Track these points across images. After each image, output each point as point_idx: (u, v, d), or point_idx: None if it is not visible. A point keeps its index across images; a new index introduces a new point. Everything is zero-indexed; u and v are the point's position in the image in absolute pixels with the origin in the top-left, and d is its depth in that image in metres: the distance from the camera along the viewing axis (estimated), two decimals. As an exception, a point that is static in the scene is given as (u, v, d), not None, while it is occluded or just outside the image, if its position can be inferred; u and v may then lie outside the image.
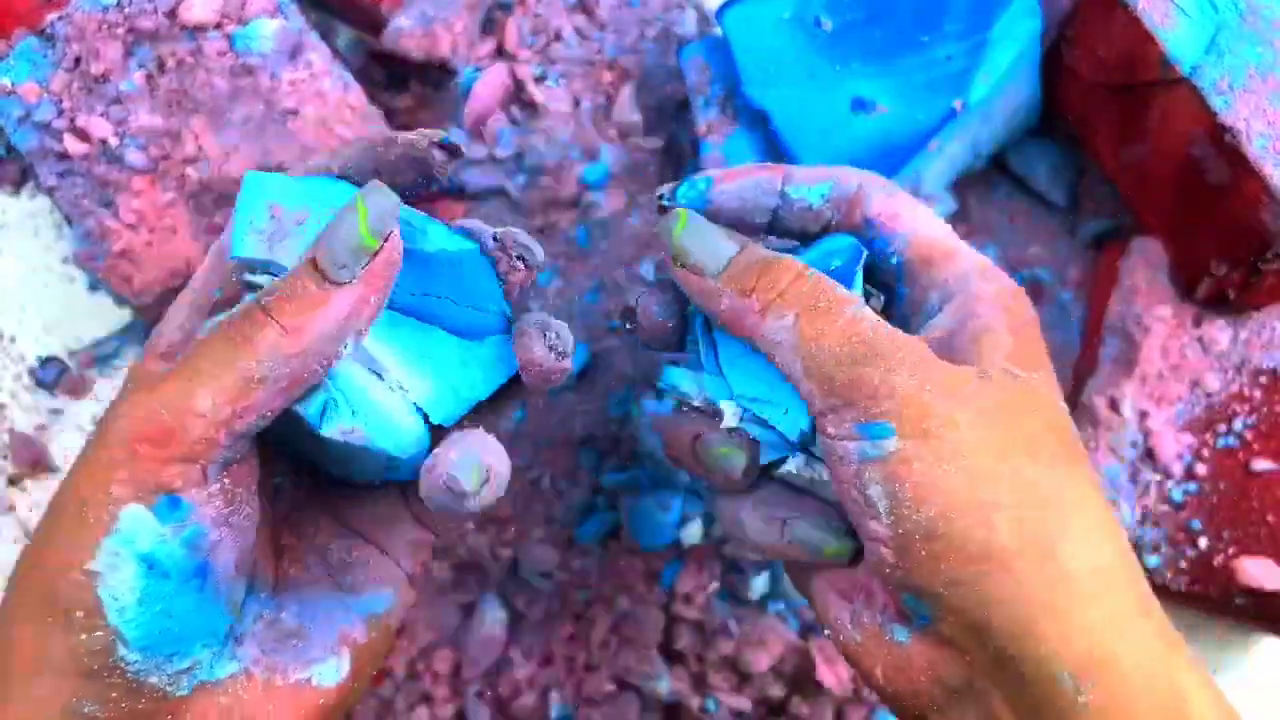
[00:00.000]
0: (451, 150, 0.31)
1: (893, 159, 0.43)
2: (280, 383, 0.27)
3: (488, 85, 0.47)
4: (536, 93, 0.47)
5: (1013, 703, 0.28)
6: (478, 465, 0.28)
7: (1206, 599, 0.43)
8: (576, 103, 0.48)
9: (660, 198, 0.33)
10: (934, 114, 0.43)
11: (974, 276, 0.31)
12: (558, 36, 0.48)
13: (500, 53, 0.48)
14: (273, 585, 0.30)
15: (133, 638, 0.26)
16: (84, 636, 0.26)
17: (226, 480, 0.27)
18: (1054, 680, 0.27)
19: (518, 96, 0.48)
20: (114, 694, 0.26)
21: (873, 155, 0.43)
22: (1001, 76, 0.43)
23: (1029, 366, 0.30)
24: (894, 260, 0.33)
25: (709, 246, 0.31)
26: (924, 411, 0.28)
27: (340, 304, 0.27)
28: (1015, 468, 0.28)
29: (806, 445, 0.31)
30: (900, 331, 0.29)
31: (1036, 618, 0.27)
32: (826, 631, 0.32)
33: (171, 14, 0.42)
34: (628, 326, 0.35)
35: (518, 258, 0.31)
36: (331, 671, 0.30)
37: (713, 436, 0.32)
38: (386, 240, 0.28)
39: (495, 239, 0.31)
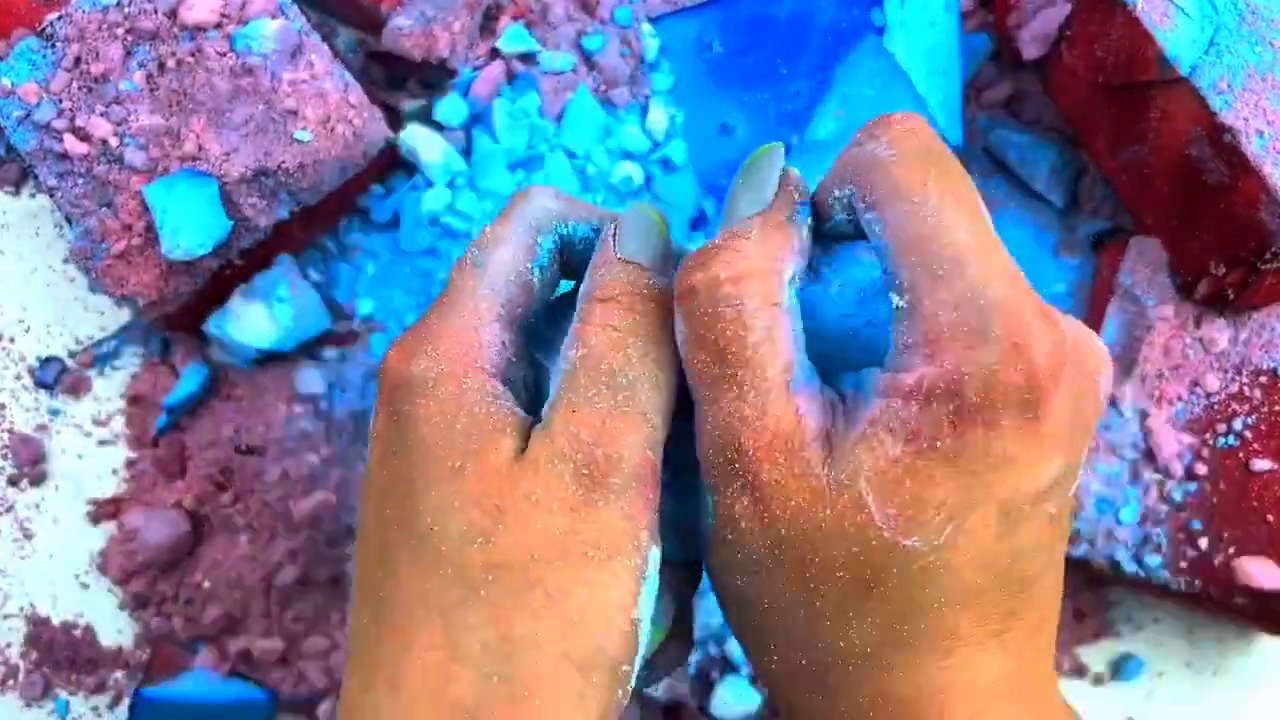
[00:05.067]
0: None
1: None
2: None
3: (485, 84, 0.47)
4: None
5: None
6: None
7: (1206, 599, 0.43)
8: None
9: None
10: None
11: None
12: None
13: (496, 51, 0.48)
14: None
15: (634, 685, 0.26)
16: (621, 691, 0.26)
17: None
18: None
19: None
20: None
21: (725, 178, 0.47)
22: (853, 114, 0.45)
23: None
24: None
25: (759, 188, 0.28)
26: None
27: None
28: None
29: None
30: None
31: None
32: None
33: (172, 14, 0.42)
34: None
35: None
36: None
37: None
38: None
39: None
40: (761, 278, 0.26)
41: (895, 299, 0.25)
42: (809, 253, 0.28)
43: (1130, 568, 0.43)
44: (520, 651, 0.25)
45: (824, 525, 0.25)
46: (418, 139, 0.46)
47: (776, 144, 0.28)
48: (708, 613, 0.45)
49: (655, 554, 0.26)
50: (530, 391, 0.30)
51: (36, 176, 0.43)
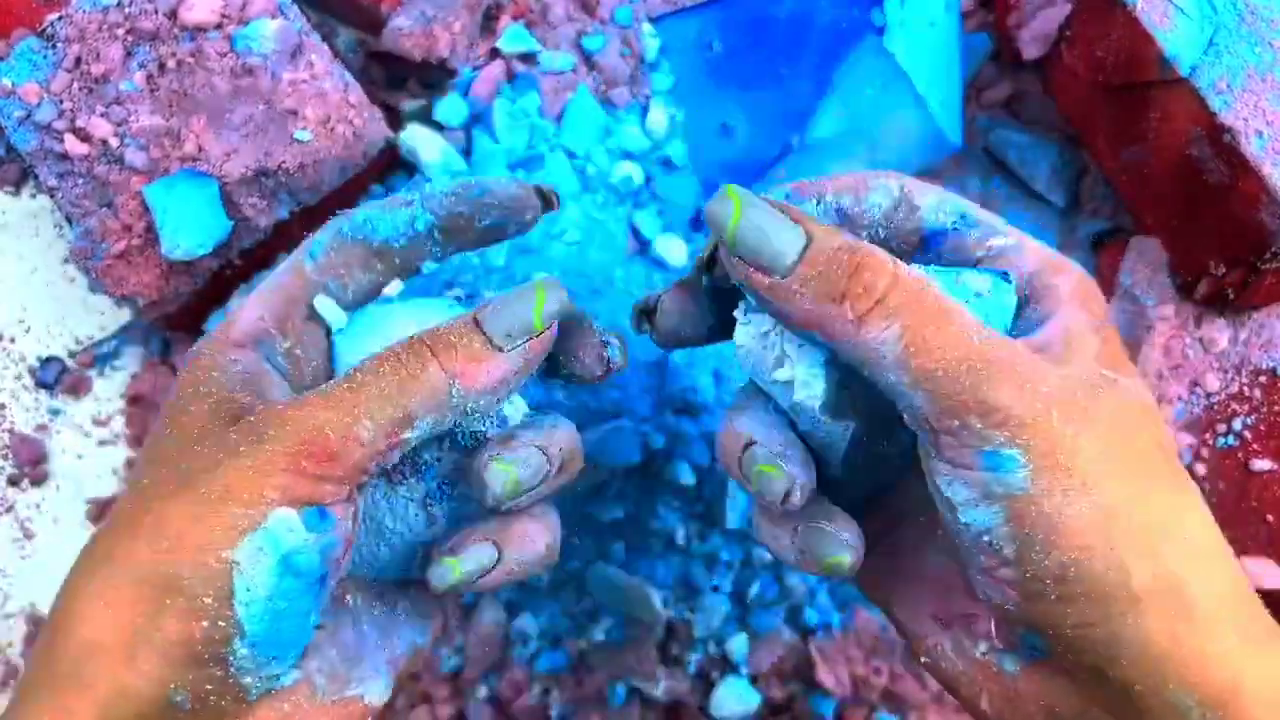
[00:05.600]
0: (547, 199, 0.32)
1: (740, 183, 0.47)
2: (431, 423, 0.28)
3: (485, 84, 0.47)
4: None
5: None
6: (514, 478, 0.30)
7: (1206, 599, 0.43)
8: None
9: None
10: (775, 146, 0.44)
11: (1045, 271, 0.29)
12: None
13: (496, 51, 0.48)
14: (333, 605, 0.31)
15: (250, 632, 0.27)
16: (205, 623, 0.26)
17: (360, 502, 0.29)
18: (1178, 712, 0.26)
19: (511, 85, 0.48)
20: (208, 686, 0.27)
21: (725, 178, 0.46)
22: (859, 110, 0.45)
23: (1120, 369, 0.28)
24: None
25: (775, 238, 0.27)
26: (1051, 440, 0.26)
27: (502, 367, 0.29)
28: (1139, 495, 0.26)
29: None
30: (1007, 338, 0.27)
31: (1165, 653, 0.26)
32: (923, 659, 0.31)
33: (172, 14, 0.42)
34: (643, 328, 0.33)
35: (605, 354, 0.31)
36: (379, 690, 0.31)
37: (760, 451, 0.30)
38: (548, 328, 0.30)
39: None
40: (899, 275, 0.28)
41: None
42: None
43: (1130, 568, 0.43)
44: (113, 569, 0.27)
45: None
46: (418, 139, 0.46)
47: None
48: (709, 611, 0.45)
49: (281, 515, 0.27)
50: (321, 362, 0.32)
51: (36, 176, 0.43)
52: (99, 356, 0.48)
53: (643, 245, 0.47)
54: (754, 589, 0.45)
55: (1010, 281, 0.29)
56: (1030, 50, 0.46)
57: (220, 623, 0.26)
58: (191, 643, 0.26)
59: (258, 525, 0.27)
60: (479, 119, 0.47)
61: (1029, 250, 0.30)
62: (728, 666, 0.45)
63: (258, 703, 0.28)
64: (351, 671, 0.30)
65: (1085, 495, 0.26)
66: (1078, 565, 0.26)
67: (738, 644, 0.45)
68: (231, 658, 0.27)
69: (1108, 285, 0.46)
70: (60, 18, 0.42)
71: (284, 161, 0.42)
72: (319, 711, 0.29)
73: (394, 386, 0.28)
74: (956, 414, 0.26)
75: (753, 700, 0.44)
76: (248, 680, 0.27)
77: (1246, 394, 0.44)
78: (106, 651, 0.26)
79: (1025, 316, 0.29)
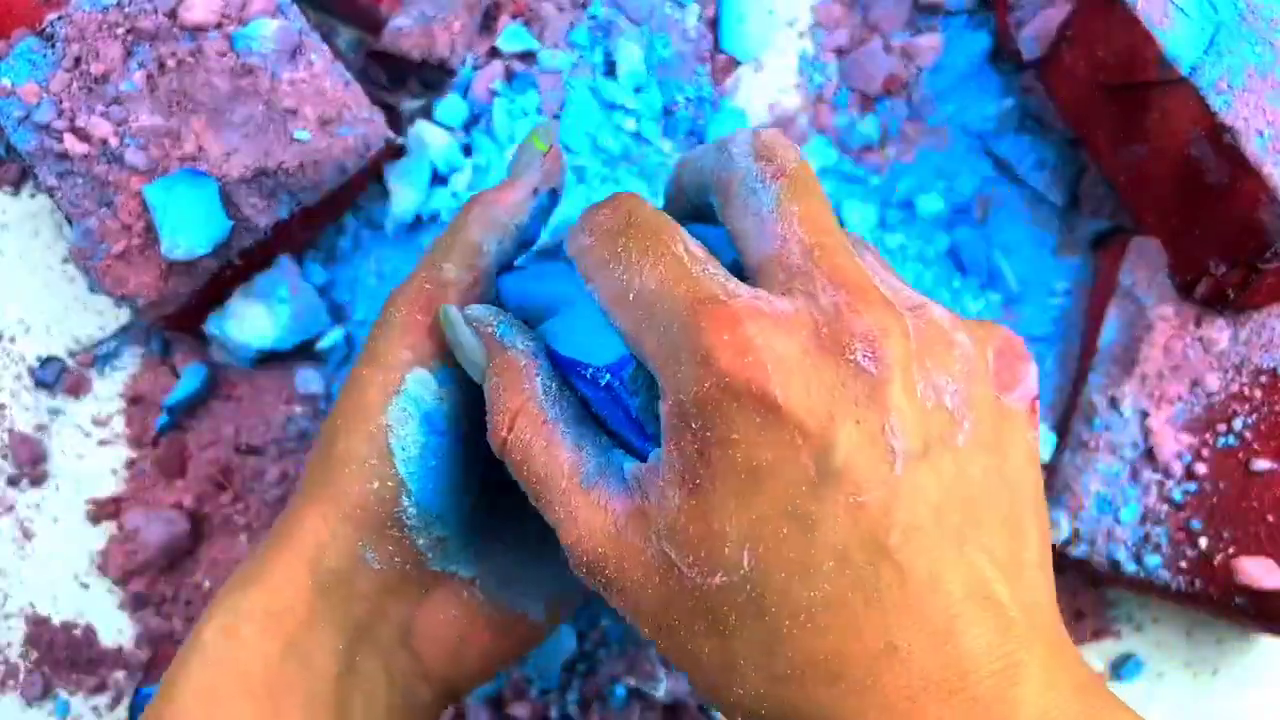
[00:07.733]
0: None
1: None
2: (492, 246, 0.34)
3: (485, 84, 0.47)
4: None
5: None
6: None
7: (1206, 599, 0.43)
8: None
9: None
10: None
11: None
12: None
13: (496, 51, 0.48)
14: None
15: (413, 489, 0.31)
16: (375, 484, 0.31)
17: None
18: None
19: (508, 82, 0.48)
20: (390, 546, 0.31)
21: None
22: None
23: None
24: None
25: (469, 356, 0.31)
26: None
27: (523, 186, 0.35)
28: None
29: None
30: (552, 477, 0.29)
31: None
32: None
33: (171, 14, 0.42)
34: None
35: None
36: (540, 611, 0.34)
37: None
38: (551, 147, 0.35)
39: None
40: (519, 411, 0.29)
41: None
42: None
43: (1130, 568, 0.43)
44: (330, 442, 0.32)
45: (666, 594, 0.26)
46: (427, 134, 0.46)
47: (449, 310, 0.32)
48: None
49: (417, 375, 0.32)
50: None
51: (36, 176, 0.43)
52: (99, 356, 0.48)
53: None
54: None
55: None
56: (1030, 50, 0.46)
57: (388, 481, 0.31)
58: (367, 504, 0.31)
59: (399, 389, 0.31)
60: (479, 119, 0.47)
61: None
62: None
63: (439, 578, 0.33)
64: (516, 586, 0.34)
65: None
66: None
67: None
68: (404, 517, 0.31)
69: (1108, 285, 0.46)
70: (60, 17, 0.42)
71: (284, 161, 0.42)
72: (489, 621, 0.33)
73: (454, 228, 0.34)
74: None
75: None
76: (421, 542, 0.32)
77: (1246, 394, 0.44)
78: (312, 513, 0.31)
79: None
